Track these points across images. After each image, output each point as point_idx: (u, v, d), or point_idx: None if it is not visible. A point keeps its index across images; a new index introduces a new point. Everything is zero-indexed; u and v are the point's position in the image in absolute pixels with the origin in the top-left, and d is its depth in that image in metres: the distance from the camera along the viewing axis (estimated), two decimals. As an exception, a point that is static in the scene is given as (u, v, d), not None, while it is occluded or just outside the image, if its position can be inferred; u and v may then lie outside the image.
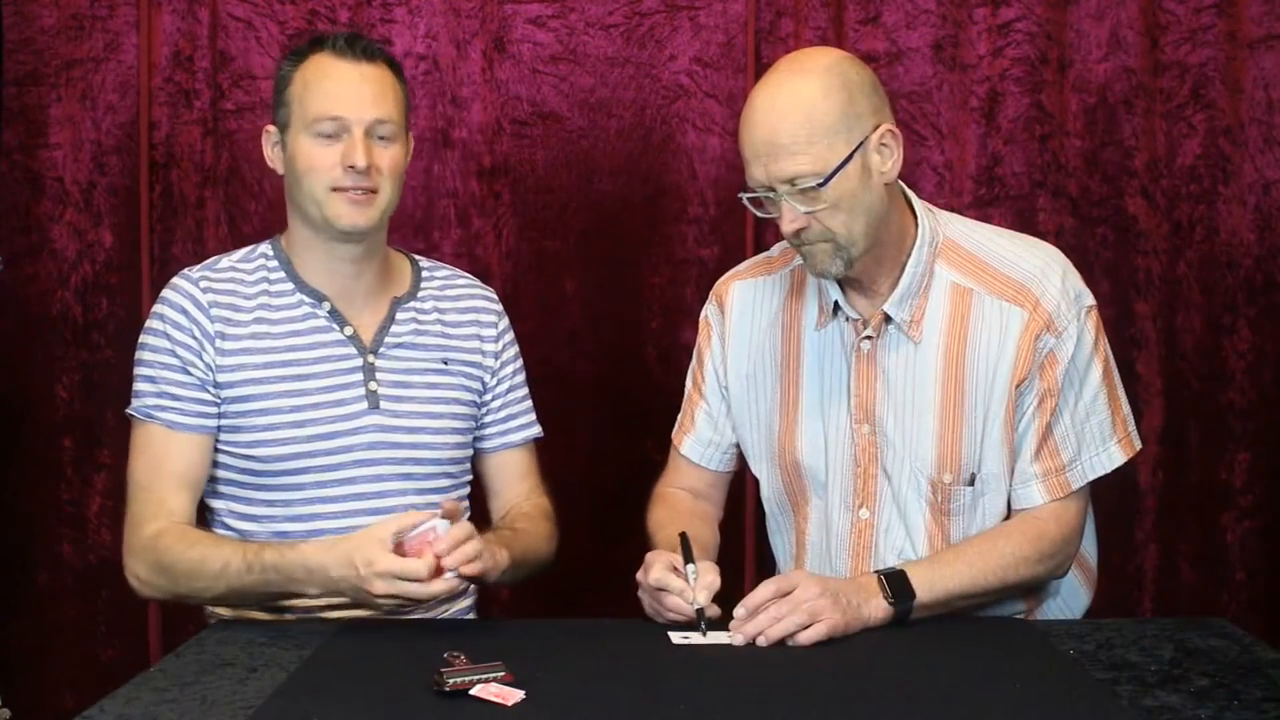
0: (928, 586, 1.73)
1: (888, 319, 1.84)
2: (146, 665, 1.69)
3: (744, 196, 1.81)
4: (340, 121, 1.83)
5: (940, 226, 1.88)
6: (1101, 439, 1.85)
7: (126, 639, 2.70)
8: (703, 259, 2.68)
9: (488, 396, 2.01)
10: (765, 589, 1.67)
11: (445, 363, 1.96)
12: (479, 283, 2.09)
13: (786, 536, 1.99)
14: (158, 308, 1.90)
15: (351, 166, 1.82)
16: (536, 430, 2.08)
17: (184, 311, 1.87)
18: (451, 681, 1.42)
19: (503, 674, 1.44)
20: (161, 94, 2.66)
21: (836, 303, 1.88)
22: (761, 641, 1.62)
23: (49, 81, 2.67)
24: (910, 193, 1.88)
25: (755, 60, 2.65)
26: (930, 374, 1.84)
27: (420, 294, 1.98)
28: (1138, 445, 1.89)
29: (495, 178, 2.67)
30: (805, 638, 1.62)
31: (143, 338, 1.90)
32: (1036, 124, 2.62)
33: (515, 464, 2.05)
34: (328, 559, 1.70)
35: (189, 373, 1.86)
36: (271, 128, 1.91)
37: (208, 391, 1.86)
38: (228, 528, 1.90)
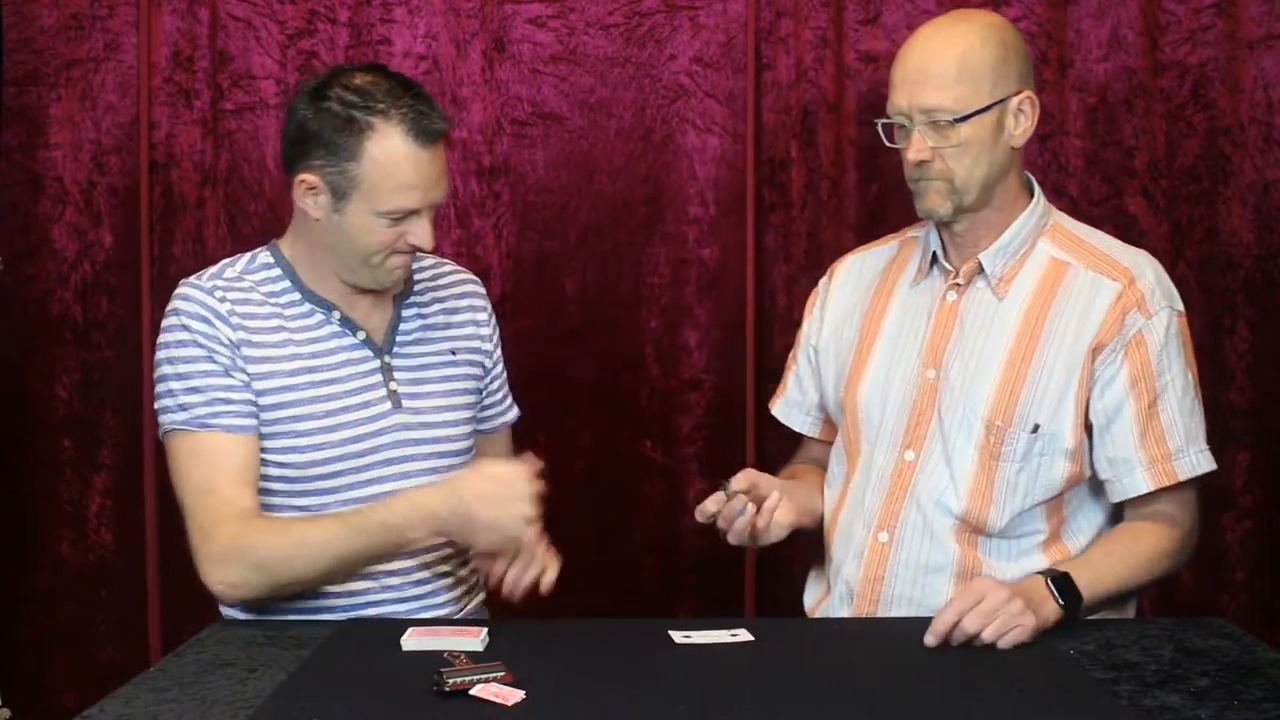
0: (1090, 586, 1.73)
1: (980, 270, 1.90)
2: (146, 665, 1.69)
3: (879, 123, 1.90)
4: (414, 210, 1.82)
5: (1053, 213, 1.97)
6: (1204, 438, 1.87)
7: (126, 639, 2.70)
8: (703, 259, 2.68)
9: (487, 379, 2.05)
10: (958, 603, 1.66)
11: (453, 353, 1.99)
12: (461, 268, 2.11)
13: (834, 491, 2.01)
14: (177, 319, 1.85)
15: (418, 248, 1.84)
16: (516, 410, 2.14)
17: (205, 320, 1.84)
18: (451, 681, 1.42)
19: (503, 674, 1.45)
20: (161, 94, 2.66)
21: (935, 254, 1.94)
22: (958, 637, 1.64)
23: (49, 81, 2.67)
24: (1033, 178, 1.97)
25: (755, 60, 2.65)
26: (1007, 329, 1.88)
27: (417, 288, 2.00)
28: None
29: (495, 178, 2.68)
30: (1008, 642, 1.63)
31: (170, 351, 1.85)
32: (1037, 124, 2.62)
33: (504, 442, 2.11)
34: (433, 494, 1.76)
35: (232, 375, 1.83)
36: (314, 179, 1.82)
37: (250, 393, 1.84)
38: None
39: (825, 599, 1.98)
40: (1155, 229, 2.61)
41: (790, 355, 2.15)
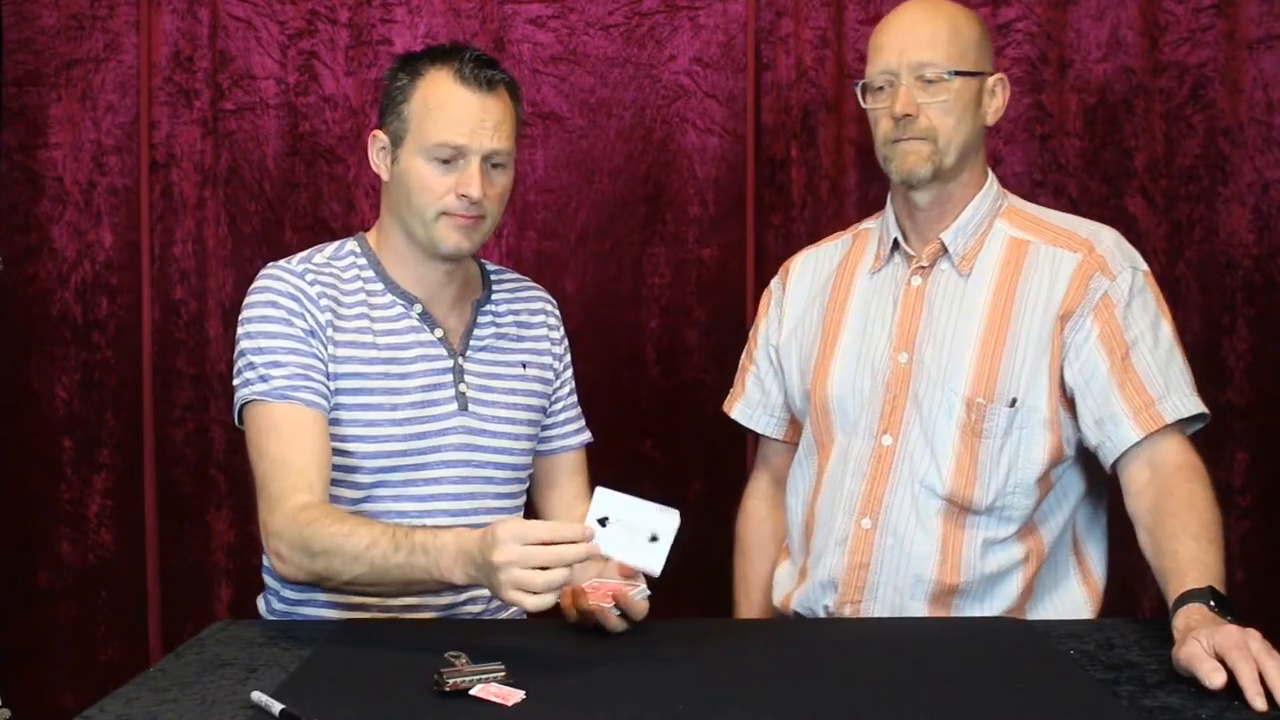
0: (1221, 582, 1.63)
1: (944, 251, 1.92)
2: (146, 665, 1.69)
3: (859, 84, 1.94)
4: (459, 149, 1.82)
5: (1006, 196, 1.99)
6: (1190, 385, 1.83)
7: (126, 639, 2.70)
8: (703, 259, 2.68)
9: (552, 399, 2.04)
10: (1244, 664, 1.42)
11: (524, 366, 1.99)
12: (540, 287, 2.11)
13: (806, 483, 2.00)
14: (267, 295, 1.85)
15: (465, 196, 1.83)
16: (588, 435, 2.11)
17: (296, 299, 1.85)
18: (451, 681, 1.42)
19: (503, 674, 1.44)
20: (161, 94, 2.66)
21: (896, 240, 1.96)
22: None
23: (49, 81, 2.67)
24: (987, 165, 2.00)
25: (755, 60, 2.66)
26: (976, 306, 1.89)
27: (494, 297, 2.01)
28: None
29: (495, 178, 2.68)
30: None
31: (255, 326, 1.84)
32: (1036, 124, 2.63)
33: (570, 468, 2.07)
34: (473, 538, 1.59)
35: (317, 357, 1.84)
36: (381, 134, 1.89)
37: (328, 376, 1.84)
38: None
39: (798, 589, 1.98)
40: (1155, 229, 2.61)
41: (744, 356, 2.15)
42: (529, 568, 1.51)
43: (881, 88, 1.89)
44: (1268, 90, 2.59)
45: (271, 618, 1.93)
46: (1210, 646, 1.46)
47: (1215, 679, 1.41)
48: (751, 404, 2.13)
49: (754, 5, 2.65)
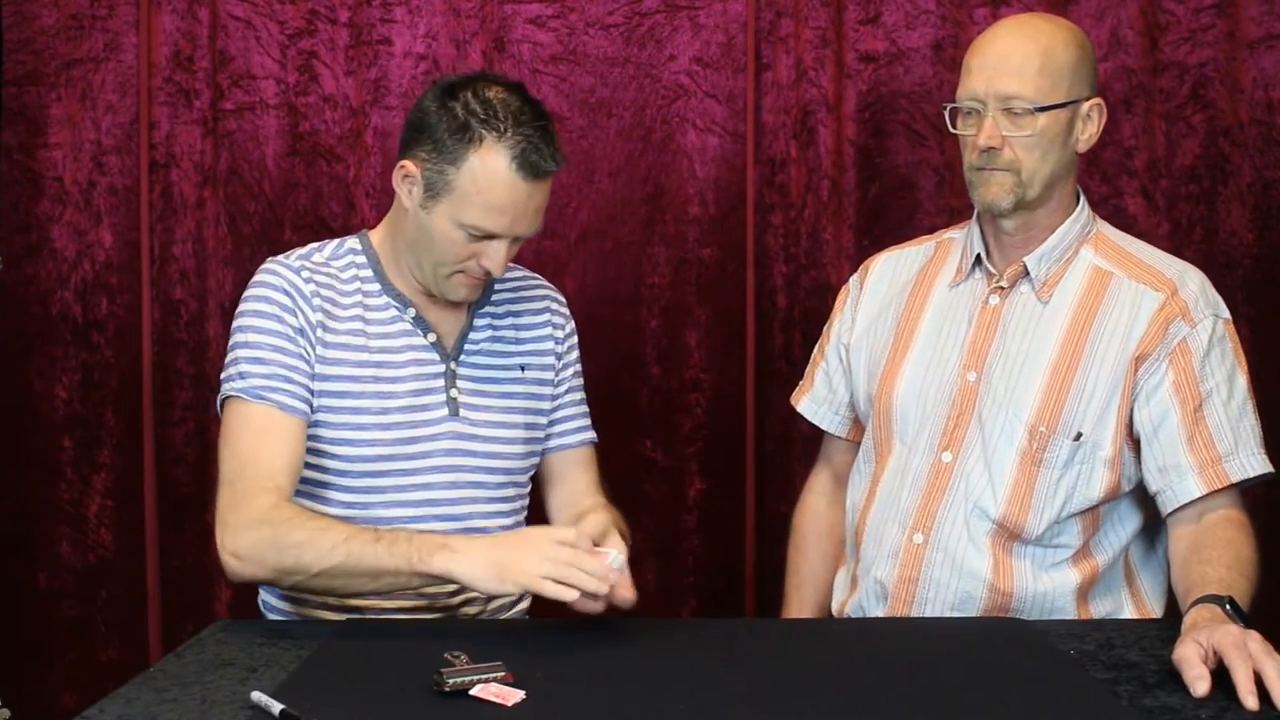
0: (1246, 605, 1.64)
1: (1025, 273, 1.90)
2: (146, 665, 1.69)
3: (947, 107, 1.91)
4: (494, 234, 1.81)
5: (1096, 222, 1.97)
6: (1258, 442, 1.84)
7: (126, 639, 2.70)
8: (703, 259, 2.68)
9: (553, 398, 2.02)
10: (1239, 664, 1.43)
11: (523, 369, 1.97)
12: (549, 283, 2.08)
13: (860, 488, 2.00)
14: (261, 290, 1.85)
15: (486, 268, 1.83)
16: (591, 435, 2.07)
17: (289, 295, 1.84)
18: (451, 681, 1.42)
19: (503, 674, 1.44)
20: (161, 94, 2.66)
21: (979, 256, 1.94)
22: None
23: (49, 81, 2.67)
24: (1079, 187, 1.96)
25: (755, 60, 2.65)
26: (1051, 334, 1.87)
27: (495, 298, 1.99)
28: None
29: (495, 178, 2.67)
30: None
31: (245, 320, 1.85)
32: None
33: (575, 467, 2.04)
34: (484, 538, 1.70)
35: (303, 358, 1.83)
36: (414, 169, 1.82)
37: (312, 380, 1.84)
38: None
39: (851, 597, 1.97)
40: (1155, 229, 2.61)
41: (816, 350, 2.13)
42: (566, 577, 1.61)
43: (970, 113, 1.87)
44: (1268, 90, 2.59)
45: (275, 617, 1.93)
46: (1209, 646, 1.46)
47: (1199, 687, 1.42)
48: (818, 400, 2.11)
49: (754, 5, 2.65)
